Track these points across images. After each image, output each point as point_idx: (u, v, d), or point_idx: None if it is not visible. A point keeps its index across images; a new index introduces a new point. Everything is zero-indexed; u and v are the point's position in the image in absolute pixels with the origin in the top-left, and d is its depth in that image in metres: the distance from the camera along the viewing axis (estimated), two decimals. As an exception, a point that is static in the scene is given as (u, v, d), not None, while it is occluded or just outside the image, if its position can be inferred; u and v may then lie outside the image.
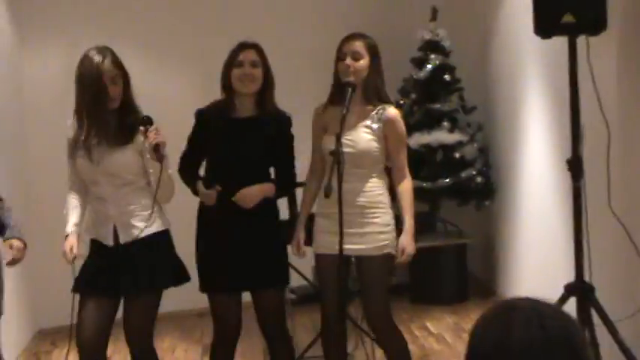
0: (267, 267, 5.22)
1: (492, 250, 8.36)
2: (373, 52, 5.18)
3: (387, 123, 5.14)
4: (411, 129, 7.97)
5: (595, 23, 5.07)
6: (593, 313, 5.23)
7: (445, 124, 8.06)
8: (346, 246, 4.95)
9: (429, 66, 8.09)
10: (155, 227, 5.01)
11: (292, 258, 5.39)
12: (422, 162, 8.02)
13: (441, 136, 8.03)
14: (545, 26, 5.17)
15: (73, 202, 5.05)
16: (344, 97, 5.02)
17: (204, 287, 5.25)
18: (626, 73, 5.48)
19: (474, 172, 8.07)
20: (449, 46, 8.17)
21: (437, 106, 8.09)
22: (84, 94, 4.82)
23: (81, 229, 5.01)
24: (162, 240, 5.04)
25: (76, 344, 5.03)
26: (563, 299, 5.26)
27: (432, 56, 8.13)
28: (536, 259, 6.90)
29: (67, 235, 4.92)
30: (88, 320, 4.95)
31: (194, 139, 5.28)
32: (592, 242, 5.35)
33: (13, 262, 4.94)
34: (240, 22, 7.97)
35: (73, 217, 5.00)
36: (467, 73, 8.24)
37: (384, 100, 5.22)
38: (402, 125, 5.22)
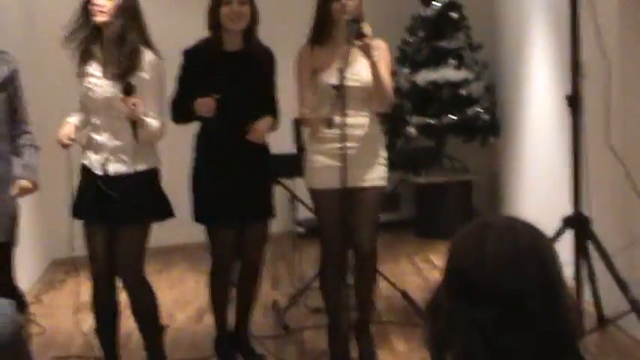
0: (258, 200, 5.36)
1: (497, 186, 8.48)
2: None
3: (379, 50, 5.18)
4: (418, 66, 8.22)
5: None
6: (591, 245, 5.32)
7: (452, 61, 8.15)
8: (346, 178, 5.04)
9: (437, 4, 8.13)
10: (145, 165, 5.10)
11: (302, 194, 5.51)
12: (428, 99, 8.14)
13: (448, 73, 8.12)
14: None
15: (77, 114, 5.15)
16: (337, 34, 5.10)
17: (200, 218, 5.38)
18: (627, 11, 5.49)
19: (480, 110, 8.15)
20: None
21: (444, 43, 8.17)
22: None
23: (80, 126, 5.08)
24: (150, 177, 5.14)
25: (90, 272, 5.17)
26: (560, 231, 5.36)
27: None
28: (539, 194, 7.01)
29: (65, 121, 5.04)
30: (99, 248, 5.10)
31: (185, 79, 5.32)
32: (591, 177, 5.44)
33: (16, 197, 5.00)
34: None
35: (74, 115, 5.11)
36: (474, 12, 8.28)
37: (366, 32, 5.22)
38: (388, 51, 5.30)
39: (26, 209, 6.01)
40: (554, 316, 2.06)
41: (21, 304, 5.10)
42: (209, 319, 6.13)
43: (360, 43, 4.98)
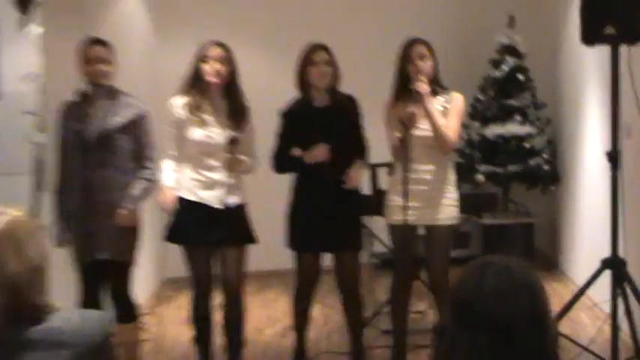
0: (347, 234, 5.40)
1: (556, 228, 8.38)
2: (433, 52, 5.29)
3: (451, 100, 5.27)
4: (488, 121, 8.17)
5: (634, 34, 5.08)
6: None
7: (517, 117, 8.08)
8: (422, 217, 5.21)
9: (505, 67, 8.13)
10: (244, 196, 5.28)
11: (377, 229, 5.63)
12: (496, 150, 8.12)
13: (514, 128, 8.07)
14: (589, 36, 5.16)
15: (171, 166, 5.24)
16: (412, 95, 5.17)
17: (294, 246, 5.44)
18: None
19: (542, 161, 8.09)
20: (523, 50, 8.17)
21: (511, 101, 8.11)
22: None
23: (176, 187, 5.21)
24: (246, 208, 5.31)
25: (193, 287, 5.33)
26: (598, 271, 5.32)
27: (508, 58, 8.14)
28: (591, 237, 6.93)
29: (163, 186, 5.18)
30: (201, 269, 5.26)
31: (284, 135, 5.42)
32: (627, 224, 5.42)
33: (119, 226, 5.08)
34: (326, 23, 8.08)
35: (170, 175, 5.22)
36: (538, 74, 8.23)
37: (444, 87, 5.33)
38: (462, 102, 5.34)
39: (145, 235, 6.28)
40: (541, 343, 2.12)
41: (134, 314, 5.31)
42: (269, 334, 6.35)
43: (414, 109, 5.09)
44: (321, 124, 5.33)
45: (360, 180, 5.37)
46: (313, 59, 5.28)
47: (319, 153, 5.25)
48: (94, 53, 5.15)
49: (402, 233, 5.27)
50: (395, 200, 5.33)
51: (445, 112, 5.24)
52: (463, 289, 2.17)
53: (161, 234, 5.35)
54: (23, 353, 2.30)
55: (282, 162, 5.44)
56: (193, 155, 5.21)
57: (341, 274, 5.48)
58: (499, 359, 2.10)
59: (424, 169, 5.25)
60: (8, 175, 7.76)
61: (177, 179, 5.23)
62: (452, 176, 5.39)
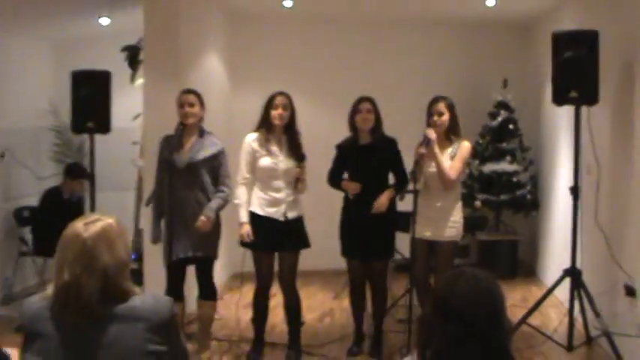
0: (381, 244, 5.42)
1: (535, 244, 8.32)
2: (451, 108, 5.32)
3: (459, 147, 5.25)
4: (485, 160, 8.15)
5: (591, 97, 5.21)
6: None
7: (508, 157, 8.08)
8: (431, 234, 5.25)
9: (499, 119, 8.15)
10: (300, 210, 5.36)
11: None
12: (491, 183, 8.13)
13: (505, 166, 8.07)
14: (558, 98, 5.30)
15: (244, 197, 5.28)
16: (426, 142, 5.19)
17: (343, 254, 5.49)
18: (614, 131, 5.55)
19: (526, 192, 8.09)
20: (514, 106, 8.18)
21: (503, 145, 8.11)
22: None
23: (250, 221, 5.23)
24: (302, 220, 5.36)
25: (256, 282, 5.39)
26: (560, 279, 5.45)
27: (502, 112, 8.16)
28: (560, 252, 6.84)
29: (242, 223, 5.22)
30: (264, 268, 5.34)
31: (336, 162, 5.53)
32: (584, 242, 5.57)
33: (198, 229, 5.14)
34: (369, 80, 8.05)
35: (245, 210, 5.26)
36: (525, 124, 8.21)
37: (459, 136, 5.33)
38: (467, 150, 5.27)
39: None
40: (496, 335, 2.16)
41: (214, 294, 5.41)
42: (328, 321, 6.26)
43: (424, 149, 5.12)
44: (362, 158, 5.39)
45: (385, 205, 5.29)
46: (359, 108, 5.37)
47: (351, 188, 5.37)
48: (185, 99, 5.30)
49: (419, 247, 5.32)
50: (417, 220, 5.36)
51: (453, 156, 5.26)
52: (441, 290, 2.23)
53: (238, 241, 5.35)
54: (110, 324, 2.34)
55: (332, 182, 5.52)
56: (262, 179, 5.26)
57: (372, 276, 5.51)
58: (462, 345, 2.13)
59: (436, 197, 5.30)
60: (119, 191, 8.08)
61: (249, 198, 5.27)
62: (457, 203, 5.36)
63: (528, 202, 8.15)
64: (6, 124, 7.35)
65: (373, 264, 5.46)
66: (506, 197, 8.12)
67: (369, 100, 5.42)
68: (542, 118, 8.10)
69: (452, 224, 5.31)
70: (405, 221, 5.48)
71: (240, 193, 5.30)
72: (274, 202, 5.24)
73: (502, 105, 8.25)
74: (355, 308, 5.63)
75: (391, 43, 8.70)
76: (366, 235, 5.36)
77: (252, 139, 5.31)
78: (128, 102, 7.45)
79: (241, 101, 8.17)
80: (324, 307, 6.89)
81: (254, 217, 5.27)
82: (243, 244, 5.31)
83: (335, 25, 8.57)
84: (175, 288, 5.28)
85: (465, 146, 5.28)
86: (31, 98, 7.87)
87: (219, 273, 7.25)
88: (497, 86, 8.30)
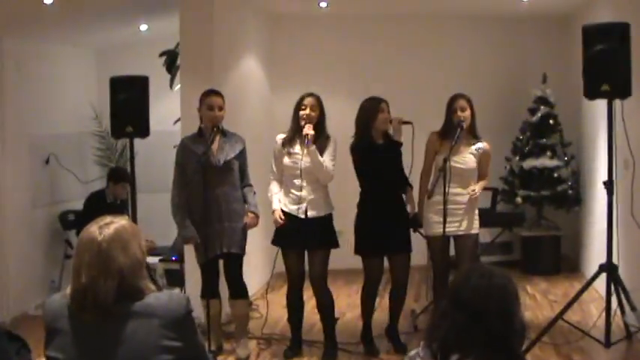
0: (402, 237, 5.49)
1: (578, 239, 8.29)
2: (471, 105, 5.43)
3: (483, 150, 5.46)
4: (526, 156, 8.17)
5: (624, 91, 5.20)
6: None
7: (548, 153, 8.09)
8: (451, 229, 5.33)
9: (539, 114, 8.15)
10: (326, 210, 5.42)
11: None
12: (531, 179, 8.14)
13: (545, 161, 8.08)
14: (590, 92, 5.29)
15: (276, 189, 5.44)
16: (454, 134, 5.35)
17: (358, 251, 5.49)
18: None
19: (567, 187, 8.09)
20: (553, 101, 8.17)
21: (543, 140, 8.13)
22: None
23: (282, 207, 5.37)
24: (329, 218, 5.43)
25: (287, 281, 5.49)
26: (596, 274, 5.42)
27: (542, 107, 8.15)
28: (600, 247, 6.84)
29: (274, 210, 5.38)
30: (293, 266, 5.43)
31: (355, 156, 5.53)
32: (621, 236, 5.49)
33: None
34: (398, 79, 8.25)
35: (277, 199, 5.42)
36: (565, 119, 8.21)
37: (478, 136, 5.49)
38: (490, 153, 5.49)
39: (260, 236, 6.32)
40: (504, 334, 2.19)
41: (244, 293, 5.50)
42: (348, 317, 6.30)
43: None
44: (375, 156, 5.46)
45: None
46: (379, 109, 5.46)
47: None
48: (216, 102, 5.41)
49: (438, 242, 5.41)
50: (433, 218, 5.46)
51: (475, 155, 5.41)
52: (455, 282, 2.30)
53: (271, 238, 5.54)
54: (126, 322, 2.39)
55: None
56: (286, 177, 5.41)
57: (395, 271, 5.56)
58: (468, 335, 2.18)
59: (457, 193, 5.38)
60: (162, 192, 8.15)
61: (279, 191, 5.45)
62: (475, 198, 5.46)
63: (570, 197, 8.15)
64: (51, 129, 7.59)
65: (395, 258, 5.49)
66: (547, 193, 8.13)
67: (386, 102, 5.51)
68: (582, 112, 8.07)
69: (474, 218, 5.44)
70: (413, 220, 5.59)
71: (272, 187, 5.48)
72: (296, 200, 5.32)
73: (542, 100, 8.24)
74: (367, 308, 5.63)
75: (429, 41, 8.74)
76: (387, 228, 5.39)
77: (279, 138, 5.47)
78: (168, 107, 7.60)
79: (282, 103, 8.10)
80: (343, 303, 6.82)
81: (283, 214, 5.41)
82: (274, 242, 5.46)
83: (371, 24, 8.63)
84: (211, 286, 5.40)
85: (488, 150, 5.49)
86: (75, 104, 8.10)
87: (261, 272, 7.41)
88: (537, 81, 8.30)
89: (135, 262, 2.43)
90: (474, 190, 5.40)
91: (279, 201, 5.43)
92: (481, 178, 5.52)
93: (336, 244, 5.44)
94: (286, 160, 5.37)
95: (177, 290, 6.66)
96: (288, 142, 5.40)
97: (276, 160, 5.47)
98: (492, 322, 2.18)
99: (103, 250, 2.39)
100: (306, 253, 5.48)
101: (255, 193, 5.54)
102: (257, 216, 5.46)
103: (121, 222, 2.48)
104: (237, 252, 5.41)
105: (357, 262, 5.64)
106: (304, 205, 5.33)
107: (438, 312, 2.32)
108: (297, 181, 5.35)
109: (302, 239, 5.34)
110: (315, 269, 5.41)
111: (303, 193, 5.34)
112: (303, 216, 5.33)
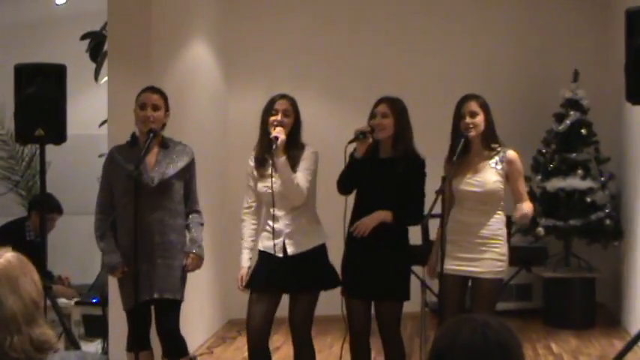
0: (388, 282, 5.29)
1: (619, 284, 8.29)
2: (486, 108, 5.33)
3: (508, 162, 5.28)
4: (549, 174, 8.19)
5: None
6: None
7: (579, 171, 8.11)
8: (467, 268, 5.26)
9: (568, 121, 8.17)
10: (314, 241, 5.32)
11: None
12: (557, 204, 8.14)
13: (575, 182, 8.10)
14: (632, 95, 5.29)
15: (246, 233, 5.37)
16: (463, 148, 5.23)
17: (343, 292, 5.36)
18: None
19: (604, 215, 8.07)
20: (587, 104, 8.20)
21: (573, 155, 8.15)
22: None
23: (252, 262, 5.30)
24: (320, 251, 5.32)
25: (246, 331, 5.34)
26: None
27: (572, 112, 8.18)
28: None
29: (241, 267, 5.29)
30: (257, 315, 5.26)
31: (349, 168, 5.37)
32: None
33: (187, 270, 5.32)
34: (391, 75, 8.25)
35: (247, 252, 5.34)
36: (603, 128, 8.25)
37: (499, 142, 5.34)
38: (519, 162, 5.33)
39: (209, 275, 6.32)
40: None
41: (183, 350, 5.39)
42: None
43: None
44: (375, 171, 5.33)
45: (369, 227, 5.21)
46: (374, 111, 5.36)
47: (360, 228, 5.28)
48: (149, 100, 5.32)
49: (449, 283, 5.30)
50: (446, 251, 5.30)
51: (498, 170, 5.29)
52: (440, 341, 2.19)
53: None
54: None
55: (340, 185, 5.40)
56: (262, 206, 5.37)
57: (380, 322, 5.44)
58: None
59: (472, 222, 5.31)
60: (87, 215, 8.07)
61: (254, 231, 5.37)
62: (501, 231, 5.36)
63: (608, 228, 8.15)
64: None
65: (379, 306, 5.39)
66: (577, 223, 8.14)
67: (387, 100, 5.41)
68: (624, 119, 8.10)
69: (494, 257, 5.33)
70: (422, 254, 5.53)
71: (244, 228, 5.41)
72: (271, 235, 5.28)
73: (572, 103, 8.31)
74: None
75: (428, 25, 8.79)
76: (372, 268, 5.29)
77: (251, 157, 5.41)
78: (92, 104, 7.56)
79: (239, 103, 8.34)
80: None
81: (259, 252, 5.37)
82: (247, 285, 5.34)
83: (354, 2, 8.71)
84: (140, 335, 5.32)
85: (516, 160, 5.34)
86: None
87: (209, 321, 7.40)
88: (566, 80, 8.35)
89: (30, 305, 2.33)
90: (524, 214, 5.30)
91: (249, 260, 5.36)
92: (518, 200, 5.35)
93: (330, 284, 5.38)
94: (259, 185, 5.32)
95: (94, 347, 6.61)
96: (259, 162, 5.34)
97: (249, 187, 5.42)
98: None
99: None
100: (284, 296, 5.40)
101: (202, 223, 5.47)
102: (200, 258, 5.38)
103: (4, 255, 2.38)
104: (172, 297, 5.34)
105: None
106: (281, 239, 5.28)
107: None
108: (271, 210, 5.29)
109: (279, 280, 5.27)
110: (295, 317, 5.35)
111: (279, 225, 5.27)
112: (281, 254, 5.27)
